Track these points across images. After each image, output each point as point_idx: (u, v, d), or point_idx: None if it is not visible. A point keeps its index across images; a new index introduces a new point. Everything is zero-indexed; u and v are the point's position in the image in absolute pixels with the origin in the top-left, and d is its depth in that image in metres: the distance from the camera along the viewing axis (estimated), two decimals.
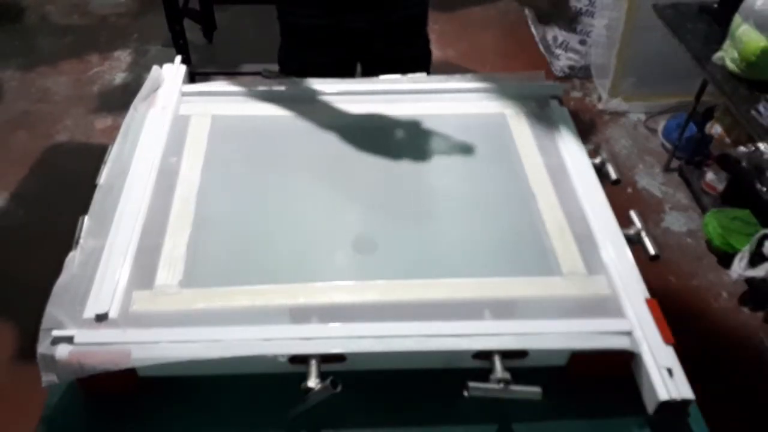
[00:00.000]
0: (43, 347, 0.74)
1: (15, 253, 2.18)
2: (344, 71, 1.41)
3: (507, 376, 0.74)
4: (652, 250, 0.91)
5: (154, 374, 0.77)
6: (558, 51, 3.05)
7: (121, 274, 0.83)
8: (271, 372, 0.77)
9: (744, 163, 2.26)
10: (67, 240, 0.87)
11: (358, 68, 1.50)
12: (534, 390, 0.74)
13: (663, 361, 0.76)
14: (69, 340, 0.75)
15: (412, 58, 1.46)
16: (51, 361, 0.74)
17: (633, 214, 0.95)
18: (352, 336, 0.77)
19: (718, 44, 1.97)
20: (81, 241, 0.87)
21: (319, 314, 0.81)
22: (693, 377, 0.75)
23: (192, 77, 2.35)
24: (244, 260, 0.90)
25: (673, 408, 0.74)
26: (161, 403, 0.79)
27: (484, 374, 0.75)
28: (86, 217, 0.90)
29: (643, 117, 2.84)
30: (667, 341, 0.78)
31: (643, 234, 0.93)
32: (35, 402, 0.81)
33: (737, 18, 1.87)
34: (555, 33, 3.05)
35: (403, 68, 1.29)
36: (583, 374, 0.80)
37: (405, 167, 1.08)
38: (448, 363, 0.79)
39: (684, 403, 0.73)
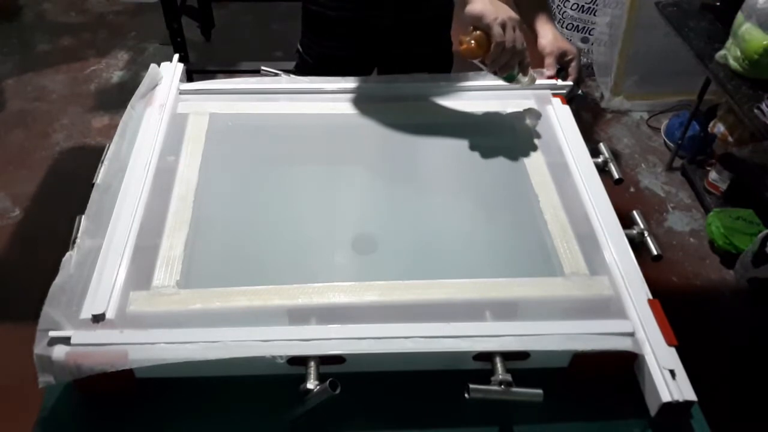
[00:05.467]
0: (39, 348, 0.74)
1: (12, 252, 2.18)
2: (362, 68, 1.40)
3: (508, 377, 0.74)
4: (654, 251, 0.91)
5: (151, 375, 0.77)
6: None
7: (118, 274, 0.83)
8: (270, 373, 0.77)
9: (747, 163, 2.26)
10: (65, 239, 0.87)
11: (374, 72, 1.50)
12: (535, 392, 0.74)
13: (665, 362, 0.75)
14: (66, 341, 0.75)
15: (434, 58, 1.45)
16: (48, 362, 0.74)
17: (635, 214, 0.95)
18: (352, 337, 0.76)
19: (720, 42, 1.97)
20: (78, 240, 0.86)
21: (318, 315, 0.80)
22: (695, 378, 0.75)
23: (190, 75, 2.35)
24: (243, 260, 0.89)
25: (675, 409, 0.73)
26: (159, 404, 0.78)
27: (485, 376, 0.74)
28: (83, 217, 0.89)
29: (645, 115, 2.84)
30: (669, 342, 0.77)
31: (646, 234, 0.93)
32: (33, 403, 0.80)
33: (740, 16, 1.87)
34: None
35: (424, 68, 1.28)
36: (585, 376, 0.79)
37: (404, 166, 1.08)
38: (449, 365, 0.79)
39: (686, 405, 0.73)
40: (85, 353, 0.74)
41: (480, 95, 1.19)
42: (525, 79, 1.06)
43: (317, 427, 0.76)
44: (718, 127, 2.44)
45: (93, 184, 0.95)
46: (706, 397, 0.79)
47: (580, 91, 1.19)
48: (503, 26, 0.96)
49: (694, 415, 0.78)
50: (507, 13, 0.97)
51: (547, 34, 1.18)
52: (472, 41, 0.98)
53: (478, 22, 0.97)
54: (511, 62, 1.01)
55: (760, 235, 2.02)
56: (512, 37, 0.97)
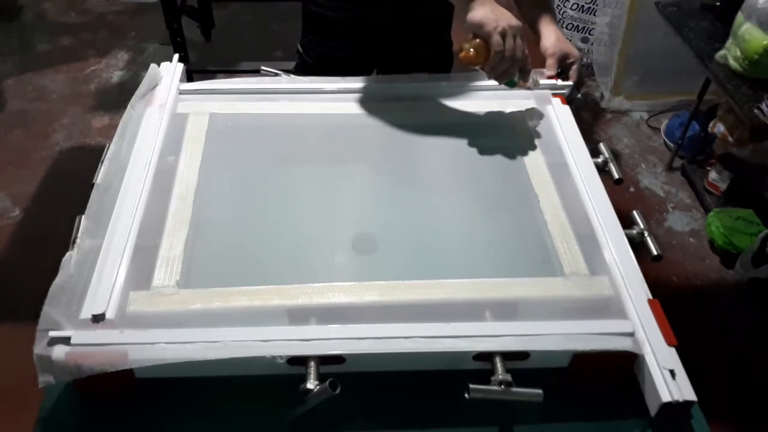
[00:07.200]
0: (39, 348, 0.74)
1: (12, 252, 2.18)
2: (362, 68, 1.41)
3: (508, 377, 0.74)
4: (654, 251, 0.91)
5: (151, 375, 0.77)
6: None
7: (118, 274, 0.82)
8: (270, 373, 0.77)
9: (747, 163, 2.26)
10: (65, 239, 0.87)
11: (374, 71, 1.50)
12: (535, 392, 0.74)
13: (665, 362, 0.75)
14: (66, 341, 0.75)
15: (434, 58, 1.46)
16: (48, 362, 0.74)
17: (635, 214, 0.95)
18: (352, 337, 0.76)
19: (720, 42, 1.96)
20: (78, 240, 0.86)
21: (318, 315, 0.80)
22: (695, 378, 0.75)
23: (190, 75, 2.35)
24: (243, 260, 0.89)
25: (675, 409, 0.73)
26: (158, 404, 0.78)
27: (485, 376, 0.74)
28: (83, 217, 0.89)
29: (645, 115, 2.84)
30: (669, 342, 0.77)
31: (646, 234, 0.93)
32: (33, 403, 0.80)
33: (740, 16, 1.87)
34: None
35: (423, 68, 1.28)
36: (585, 376, 0.79)
37: (404, 166, 1.08)
38: (449, 365, 0.79)
39: (686, 405, 0.73)
40: (85, 353, 0.74)
41: (480, 95, 1.19)
42: (528, 83, 1.06)
43: (317, 427, 0.76)
44: (718, 127, 2.45)
45: (93, 184, 0.95)
46: (706, 397, 0.79)
47: (579, 95, 1.19)
48: (503, 35, 0.96)
49: (694, 415, 0.78)
50: (508, 21, 0.97)
51: (551, 36, 1.18)
52: (471, 49, 0.98)
53: (479, 30, 0.97)
54: (511, 70, 1.01)
55: (760, 235, 2.02)
56: (512, 45, 0.97)
